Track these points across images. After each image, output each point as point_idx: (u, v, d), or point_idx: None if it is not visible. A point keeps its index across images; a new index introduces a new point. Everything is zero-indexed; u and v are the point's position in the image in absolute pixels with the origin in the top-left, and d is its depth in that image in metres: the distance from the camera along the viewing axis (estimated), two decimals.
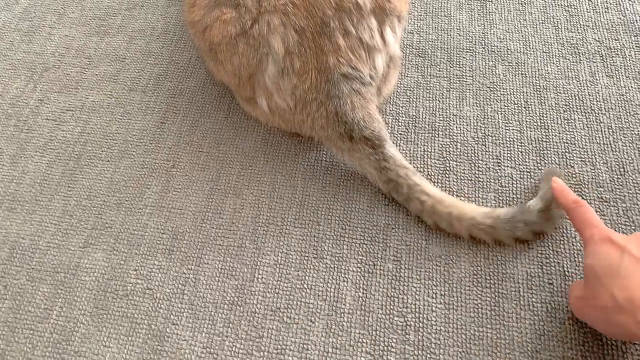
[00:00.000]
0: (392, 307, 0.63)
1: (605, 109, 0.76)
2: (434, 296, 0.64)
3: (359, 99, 0.67)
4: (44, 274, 0.68)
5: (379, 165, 0.67)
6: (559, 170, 0.70)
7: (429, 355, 0.60)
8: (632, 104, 0.76)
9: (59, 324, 0.65)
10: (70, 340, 0.63)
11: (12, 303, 0.66)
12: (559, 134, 0.74)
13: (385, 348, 0.61)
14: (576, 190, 0.69)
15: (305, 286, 0.65)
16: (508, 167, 0.72)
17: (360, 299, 0.64)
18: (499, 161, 0.72)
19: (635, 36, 0.82)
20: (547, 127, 0.75)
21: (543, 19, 0.85)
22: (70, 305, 0.66)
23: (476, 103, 0.77)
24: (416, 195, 0.66)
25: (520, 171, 0.71)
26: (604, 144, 0.73)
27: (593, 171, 0.71)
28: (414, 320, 0.62)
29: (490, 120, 0.76)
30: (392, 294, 0.64)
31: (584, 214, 0.57)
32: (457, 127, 0.75)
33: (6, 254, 0.70)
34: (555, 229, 0.66)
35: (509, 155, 0.73)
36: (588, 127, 0.74)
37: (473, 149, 0.74)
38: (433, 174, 0.72)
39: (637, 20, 0.83)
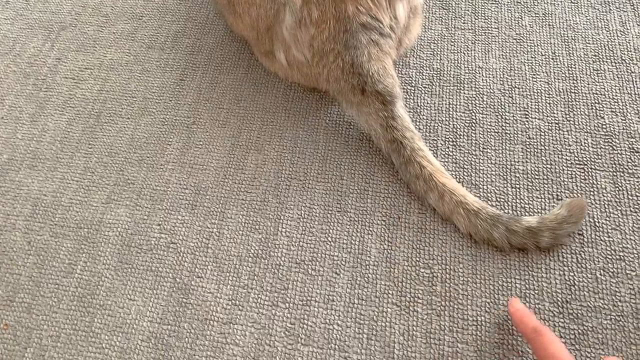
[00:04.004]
0: (417, 259, 0.62)
1: (636, 58, 0.73)
2: (461, 247, 0.63)
3: (376, 50, 0.65)
4: (67, 229, 0.68)
5: (386, 123, 0.65)
6: (584, 202, 0.62)
7: (455, 306, 0.59)
8: None
9: (83, 278, 0.65)
10: (95, 293, 0.64)
11: (37, 258, 0.66)
12: (588, 84, 0.72)
13: (412, 299, 0.60)
14: (607, 140, 0.68)
15: (329, 239, 0.64)
16: (535, 118, 0.70)
17: (385, 251, 0.63)
18: (527, 113, 0.71)
19: None
20: (575, 78, 0.73)
21: None
22: (94, 260, 0.66)
23: (502, 55, 0.75)
24: (417, 159, 0.64)
25: (549, 122, 0.70)
26: (635, 93, 0.71)
27: (624, 121, 0.69)
28: (440, 271, 0.61)
29: (516, 71, 0.74)
30: (418, 245, 0.63)
31: (547, 345, 0.49)
32: (482, 79, 0.74)
33: (29, 210, 0.69)
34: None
35: (537, 106, 0.71)
36: (618, 77, 0.72)
37: (499, 100, 0.72)
38: (459, 127, 0.70)
39: None
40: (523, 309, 0.54)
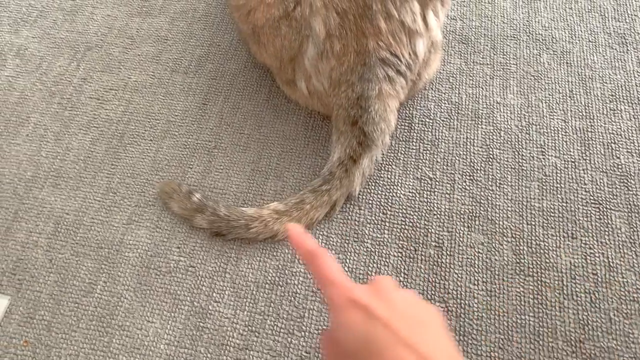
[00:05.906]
0: (433, 292, 0.63)
1: None
2: (476, 283, 0.63)
3: (389, 87, 0.67)
4: (88, 248, 0.69)
5: (346, 164, 0.67)
6: None
7: (470, 341, 0.60)
8: None
9: (102, 298, 0.66)
10: (114, 314, 0.65)
11: (57, 276, 0.67)
12: (604, 124, 0.73)
13: None
14: (622, 180, 0.69)
15: (346, 268, 0.65)
16: (552, 156, 0.71)
17: (401, 283, 0.64)
18: (543, 150, 0.72)
19: None
20: (592, 117, 0.74)
21: (589, 8, 0.84)
22: (114, 280, 0.67)
23: (520, 91, 0.77)
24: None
25: (565, 160, 0.71)
26: None
27: (639, 162, 0.70)
28: (455, 305, 0.62)
29: (534, 108, 0.75)
30: (433, 279, 0.64)
31: (320, 268, 0.44)
32: (500, 115, 0.75)
33: (51, 228, 0.71)
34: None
35: (553, 144, 0.72)
36: (634, 118, 0.73)
37: (517, 137, 0.73)
38: (476, 161, 0.71)
39: None
40: (301, 230, 0.47)
